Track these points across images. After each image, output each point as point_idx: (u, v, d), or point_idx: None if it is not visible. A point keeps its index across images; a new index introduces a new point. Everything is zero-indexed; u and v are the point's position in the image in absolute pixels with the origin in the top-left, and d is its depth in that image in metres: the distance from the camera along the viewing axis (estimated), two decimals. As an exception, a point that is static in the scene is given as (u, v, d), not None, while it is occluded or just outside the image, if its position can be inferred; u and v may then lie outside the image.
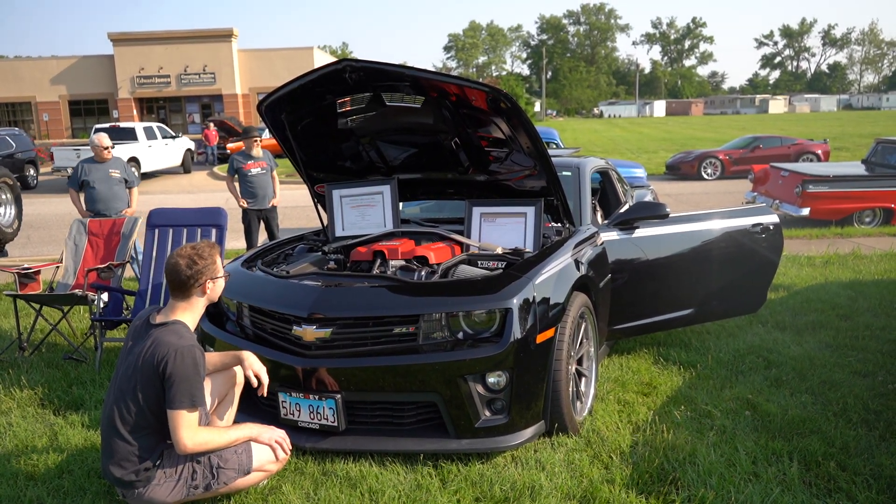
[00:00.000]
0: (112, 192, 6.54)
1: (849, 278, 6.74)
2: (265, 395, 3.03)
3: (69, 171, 18.72)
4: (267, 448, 2.85)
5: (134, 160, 18.16)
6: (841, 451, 3.22)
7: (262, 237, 7.70)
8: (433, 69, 4.22)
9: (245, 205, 7.24)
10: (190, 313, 2.81)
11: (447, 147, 4.11)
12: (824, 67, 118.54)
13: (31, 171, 18.75)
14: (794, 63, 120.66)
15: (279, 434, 2.89)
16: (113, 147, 6.78)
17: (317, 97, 3.90)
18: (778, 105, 78.65)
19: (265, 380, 2.98)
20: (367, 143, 4.31)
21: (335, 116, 4.04)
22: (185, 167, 22.14)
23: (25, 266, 5.54)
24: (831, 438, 3.33)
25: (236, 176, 7.28)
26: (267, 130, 4.06)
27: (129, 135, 19.40)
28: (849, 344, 4.76)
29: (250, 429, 2.83)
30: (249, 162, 7.20)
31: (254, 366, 2.98)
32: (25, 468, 3.26)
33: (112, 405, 2.71)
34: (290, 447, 2.92)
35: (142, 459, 2.68)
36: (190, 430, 2.63)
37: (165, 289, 4.98)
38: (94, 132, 13.82)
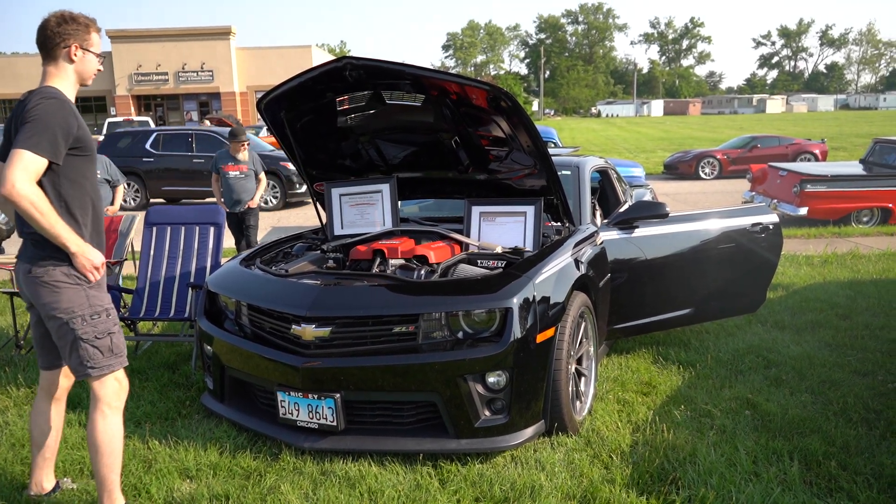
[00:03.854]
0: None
1: (847, 278, 6.74)
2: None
3: None
4: None
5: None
6: (841, 450, 3.21)
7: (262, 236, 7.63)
8: (433, 67, 4.21)
9: (221, 205, 7.09)
10: (60, 82, 2.60)
11: (447, 146, 4.10)
12: (822, 67, 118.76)
13: None
14: (792, 63, 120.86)
15: (96, 261, 2.58)
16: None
17: (316, 95, 3.88)
18: (775, 105, 78.71)
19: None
20: (367, 141, 4.29)
21: (335, 114, 4.02)
22: None
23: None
24: (832, 438, 3.33)
25: (219, 175, 7.08)
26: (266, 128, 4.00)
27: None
28: (848, 343, 4.76)
29: (76, 243, 2.50)
30: (230, 164, 6.99)
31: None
32: (23, 467, 3.23)
33: None
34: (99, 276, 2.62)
35: None
36: (25, 173, 2.37)
37: (164, 287, 4.96)
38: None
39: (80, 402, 3.98)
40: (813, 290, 6.24)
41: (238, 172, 6.99)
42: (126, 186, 7.19)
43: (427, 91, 3.70)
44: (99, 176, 6.28)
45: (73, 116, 2.51)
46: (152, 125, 23.73)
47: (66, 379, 2.88)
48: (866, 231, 9.73)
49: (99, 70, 2.74)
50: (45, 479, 2.93)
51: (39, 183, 2.46)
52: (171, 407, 3.88)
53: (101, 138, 20.19)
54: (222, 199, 7.07)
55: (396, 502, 2.87)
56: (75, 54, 2.61)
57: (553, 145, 11.72)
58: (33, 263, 2.55)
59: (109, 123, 23.90)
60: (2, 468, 3.23)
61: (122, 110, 40.35)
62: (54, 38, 2.58)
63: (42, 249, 2.53)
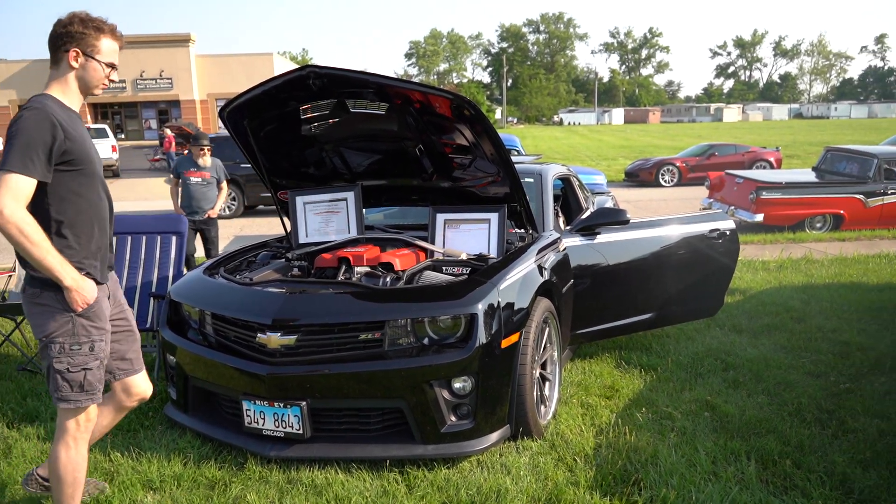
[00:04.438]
0: None
1: (801, 282, 6.94)
2: None
3: None
4: None
5: None
6: (796, 449, 3.32)
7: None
8: (396, 76, 4.23)
9: (181, 213, 6.88)
10: (59, 88, 2.48)
11: (411, 154, 4.13)
12: (776, 77, 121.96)
13: None
14: (747, 73, 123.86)
15: (89, 297, 2.46)
16: None
17: (280, 103, 3.88)
18: (732, 114, 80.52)
19: None
20: (331, 149, 4.30)
21: (298, 123, 4.03)
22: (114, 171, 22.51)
23: (-24, 275, 5.39)
24: (787, 437, 3.43)
25: (179, 181, 6.91)
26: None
27: None
28: (802, 346, 4.90)
29: (70, 276, 2.39)
30: (192, 170, 6.82)
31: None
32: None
33: None
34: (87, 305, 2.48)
35: None
36: (13, 199, 2.25)
37: (125, 298, 4.88)
38: None
39: (38, 415, 3.90)
40: (769, 294, 6.41)
41: (200, 179, 6.83)
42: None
43: (391, 99, 3.72)
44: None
45: (56, 129, 2.34)
46: (109, 133, 23.48)
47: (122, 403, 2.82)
48: (819, 237, 10.03)
49: (112, 81, 2.57)
50: None
51: (30, 204, 2.33)
52: (132, 418, 3.81)
53: None
54: (181, 206, 6.88)
55: (363, 509, 2.88)
56: (76, 60, 2.46)
57: (516, 153, 11.82)
58: (28, 282, 2.46)
59: None
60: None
61: (79, 117, 39.51)
62: (58, 39, 2.44)
63: (36, 270, 2.42)
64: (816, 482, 3.02)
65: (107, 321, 2.57)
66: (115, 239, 4.96)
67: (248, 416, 3.24)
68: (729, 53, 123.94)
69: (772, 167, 17.86)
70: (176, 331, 3.72)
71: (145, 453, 3.37)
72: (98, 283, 2.53)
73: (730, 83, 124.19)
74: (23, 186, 2.28)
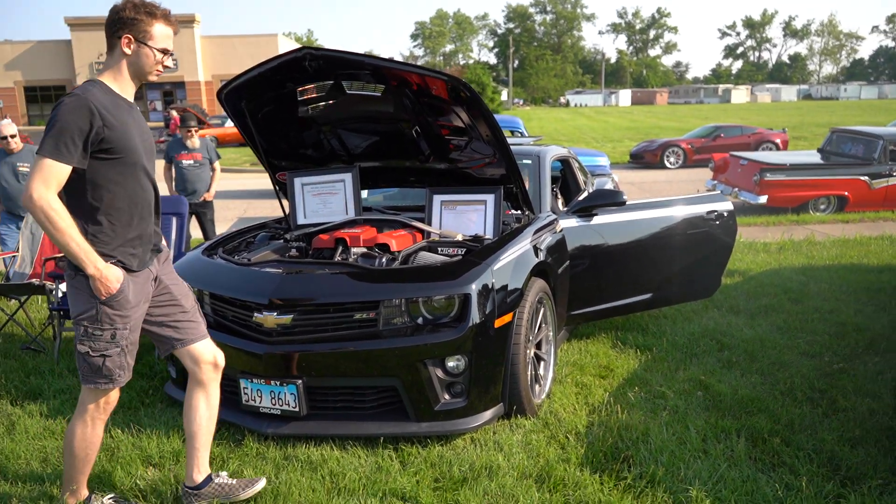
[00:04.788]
0: (21, 188, 5.84)
1: (802, 264, 6.95)
2: None
3: None
4: None
5: None
6: (786, 427, 3.36)
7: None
8: (399, 58, 4.23)
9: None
10: (111, 74, 2.48)
11: (408, 135, 4.15)
12: (785, 58, 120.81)
13: None
14: (756, 54, 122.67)
15: (113, 287, 2.45)
16: (16, 136, 5.95)
17: (277, 85, 3.90)
18: (740, 95, 79.88)
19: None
20: (329, 131, 4.32)
21: (296, 104, 4.05)
22: None
23: (-20, 256, 5.46)
24: (777, 416, 3.47)
25: (172, 165, 6.92)
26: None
27: None
28: (798, 326, 4.93)
29: (94, 265, 2.38)
30: (183, 152, 6.80)
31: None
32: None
33: None
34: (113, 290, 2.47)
35: None
36: (43, 183, 2.28)
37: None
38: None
39: (41, 392, 3.98)
40: (768, 275, 6.43)
41: (192, 161, 6.79)
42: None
43: (387, 81, 3.74)
44: (27, 170, 5.85)
45: (94, 116, 2.32)
46: None
47: (202, 370, 2.78)
48: (823, 219, 10.01)
49: (166, 67, 2.53)
50: (196, 475, 2.80)
51: (63, 190, 2.36)
52: (133, 396, 3.88)
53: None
54: (175, 189, 6.88)
55: (358, 484, 2.94)
56: (128, 46, 2.44)
57: (519, 135, 11.80)
58: (67, 263, 2.47)
59: None
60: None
61: (84, 99, 39.54)
62: (112, 26, 2.43)
63: None
64: (805, 459, 3.06)
65: (134, 308, 2.54)
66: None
67: (245, 393, 3.30)
68: (738, 34, 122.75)
69: (778, 149, 17.77)
70: (175, 310, 3.76)
71: (145, 430, 3.44)
72: (133, 270, 2.53)
73: (738, 64, 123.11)
74: (55, 172, 2.29)
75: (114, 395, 2.63)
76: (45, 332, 5.03)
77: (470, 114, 3.77)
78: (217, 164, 7.02)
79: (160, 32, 2.48)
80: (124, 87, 2.50)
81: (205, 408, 2.78)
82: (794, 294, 5.76)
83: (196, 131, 6.89)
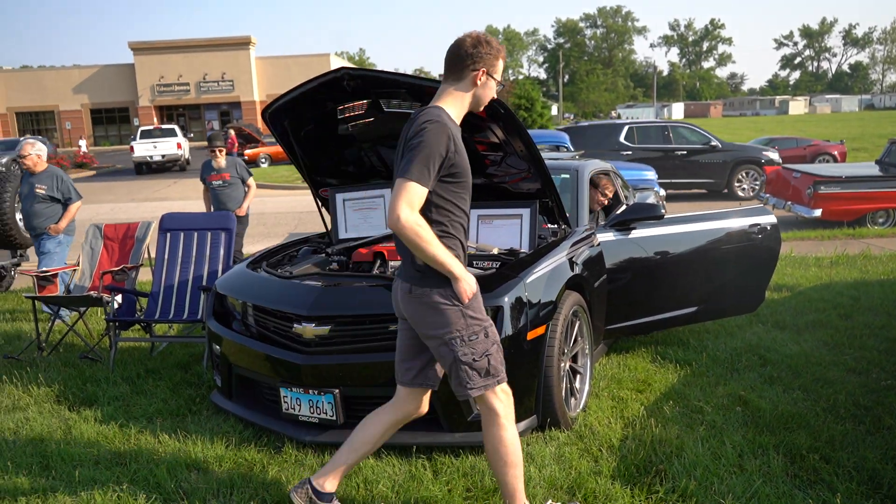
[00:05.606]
0: (34, 210, 5.93)
1: (854, 279, 6.76)
2: None
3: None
4: None
5: None
6: (826, 444, 3.29)
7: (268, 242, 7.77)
8: (427, 76, 4.33)
9: None
10: (453, 102, 2.59)
11: (445, 151, 4.22)
12: (846, 67, 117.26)
13: None
14: (815, 63, 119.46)
15: (474, 287, 2.55)
16: (38, 156, 5.96)
17: (318, 104, 4.04)
18: (798, 106, 77.83)
19: None
20: (368, 147, 4.45)
21: (336, 122, 4.18)
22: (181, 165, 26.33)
23: (44, 269, 5.76)
24: (818, 433, 3.40)
25: (206, 187, 7.03)
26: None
27: None
28: (846, 342, 4.81)
29: (458, 268, 2.49)
30: (213, 174, 6.91)
31: None
32: (40, 460, 3.42)
33: None
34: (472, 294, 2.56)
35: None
36: (409, 206, 2.37)
37: (178, 291, 5.15)
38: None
39: (96, 399, 4.18)
40: (817, 290, 6.28)
41: (221, 181, 6.86)
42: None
43: (423, 99, 3.83)
44: (44, 192, 5.91)
45: (452, 142, 2.46)
46: (179, 132, 26.99)
47: (415, 409, 2.81)
48: (881, 232, 9.70)
49: (493, 98, 2.69)
50: (328, 482, 2.79)
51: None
52: (182, 404, 4.05)
53: (135, 144, 25.67)
54: (212, 209, 6.99)
55: (391, 491, 3.00)
56: (480, 79, 2.57)
57: (565, 149, 11.81)
58: (413, 283, 2.54)
59: (142, 131, 27.57)
60: (22, 461, 3.41)
61: (145, 121, 41.19)
62: (466, 59, 2.54)
63: (422, 271, 2.52)
64: (844, 477, 3.00)
65: (484, 311, 2.64)
66: (169, 235, 5.26)
67: (285, 402, 3.41)
68: (795, 44, 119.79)
69: (835, 161, 17.25)
70: (221, 322, 3.93)
71: (191, 436, 3.58)
72: None
73: (796, 74, 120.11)
74: (419, 195, 2.40)
75: (507, 387, 2.65)
76: (101, 342, 5.27)
77: (505, 130, 3.83)
78: (251, 181, 7.07)
79: (500, 67, 2.64)
80: (459, 115, 2.62)
81: (384, 437, 2.82)
82: (844, 309, 5.61)
83: (221, 151, 6.93)
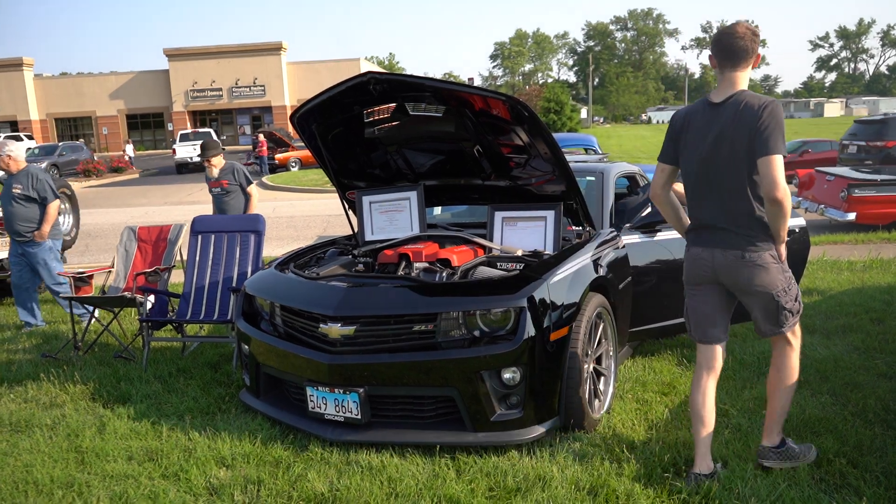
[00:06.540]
0: (10, 210, 5.90)
1: (888, 283, 6.63)
2: None
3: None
4: None
5: None
6: (854, 449, 3.25)
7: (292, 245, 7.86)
8: (478, 79, 4.40)
9: None
10: (743, 86, 2.93)
11: (470, 154, 4.28)
12: (884, 69, 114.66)
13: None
14: (852, 65, 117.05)
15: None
16: (8, 156, 5.92)
17: (344, 108, 4.11)
18: (834, 108, 76.36)
19: None
20: (394, 151, 4.51)
21: (363, 126, 4.25)
22: None
23: (80, 271, 5.92)
24: (846, 437, 3.36)
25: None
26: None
27: None
28: (878, 347, 4.73)
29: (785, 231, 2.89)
30: (211, 181, 6.77)
31: None
32: (76, 455, 3.53)
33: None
34: None
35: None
36: (782, 177, 2.72)
37: (209, 291, 5.26)
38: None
39: (129, 397, 4.29)
40: (849, 294, 6.18)
41: (218, 189, 6.75)
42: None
43: (448, 102, 3.89)
44: (20, 192, 5.90)
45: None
46: (213, 136, 28.38)
47: (721, 358, 3.12)
48: (918, 236, 9.49)
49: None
50: (704, 464, 3.02)
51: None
52: (211, 402, 4.14)
53: (177, 147, 28.43)
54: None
55: (414, 490, 3.04)
56: (754, 66, 2.92)
57: (593, 152, 11.79)
58: (745, 249, 2.88)
59: (181, 135, 30.50)
60: (59, 456, 3.52)
61: (179, 126, 41.91)
62: (749, 49, 2.87)
63: (754, 238, 2.87)
64: (872, 482, 2.96)
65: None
66: (200, 237, 5.37)
67: (311, 401, 3.48)
68: (831, 45, 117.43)
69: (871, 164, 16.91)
70: (250, 322, 4.01)
71: (220, 433, 3.66)
72: None
73: (832, 76, 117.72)
74: (783, 165, 2.75)
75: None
76: (135, 341, 5.40)
77: (529, 132, 3.86)
78: (251, 189, 6.83)
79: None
80: None
81: (713, 394, 3.10)
82: (876, 314, 5.52)
83: (212, 161, 6.73)
